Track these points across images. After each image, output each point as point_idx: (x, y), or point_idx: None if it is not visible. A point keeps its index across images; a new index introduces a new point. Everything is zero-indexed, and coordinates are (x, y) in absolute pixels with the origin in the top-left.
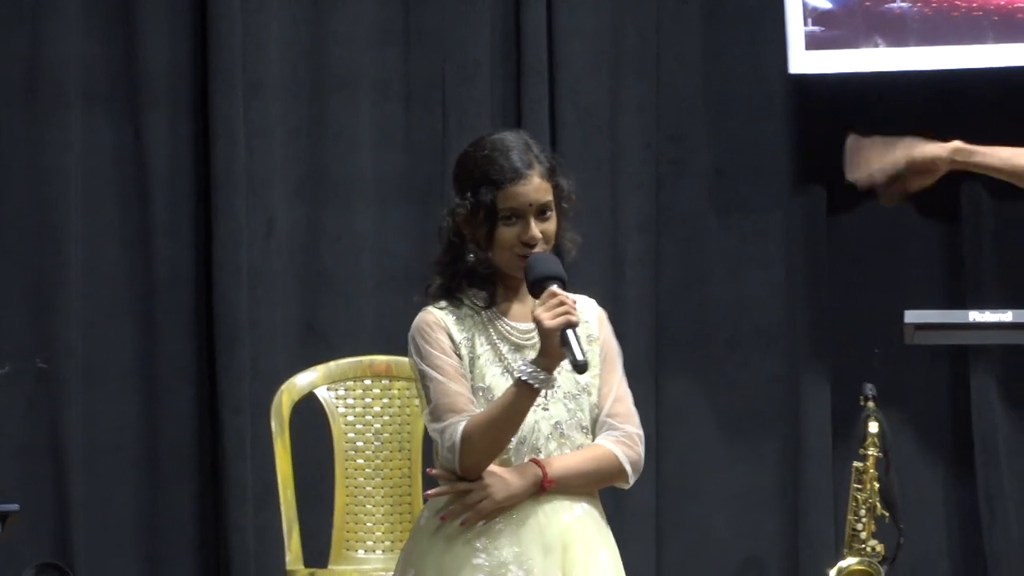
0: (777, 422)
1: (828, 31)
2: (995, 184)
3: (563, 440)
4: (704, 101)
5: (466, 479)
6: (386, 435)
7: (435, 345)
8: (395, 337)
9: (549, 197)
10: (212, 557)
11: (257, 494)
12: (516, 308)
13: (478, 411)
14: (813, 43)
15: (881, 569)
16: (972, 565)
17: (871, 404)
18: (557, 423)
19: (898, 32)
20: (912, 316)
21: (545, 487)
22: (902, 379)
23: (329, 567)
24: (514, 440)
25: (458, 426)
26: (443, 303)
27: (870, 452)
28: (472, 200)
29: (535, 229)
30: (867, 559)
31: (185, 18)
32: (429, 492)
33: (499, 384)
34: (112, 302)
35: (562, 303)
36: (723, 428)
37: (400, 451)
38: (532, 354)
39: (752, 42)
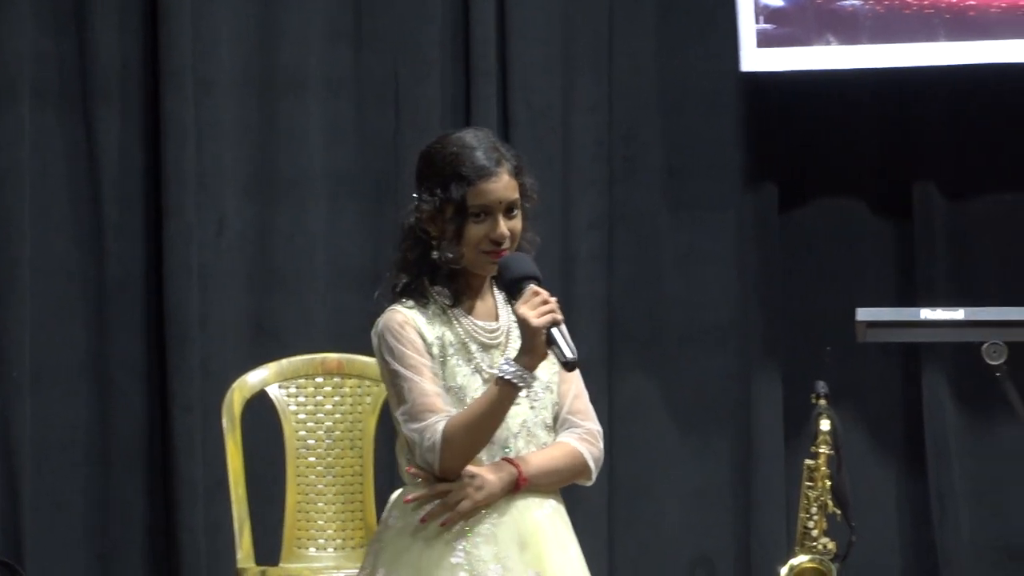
0: (729, 419)
1: (780, 29)
2: (947, 182)
3: (530, 438)
4: (656, 99)
5: (445, 479)
6: (338, 433)
7: (408, 344)
8: (347, 335)
9: (517, 195)
10: (163, 555)
11: (208, 492)
12: (479, 306)
13: (454, 411)
14: (765, 41)
15: (833, 567)
16: (924, 562)
17: (823, 402)
18: (524, 421)
19: (850, 30)
20: (864, 314)
21: (520, 485)
22: (854, 377)
23: (280, 565)
24: (495, 438)
25: (438, 426)
26: (410, 302)
27: (822, 450)
28: (441, 196)
29: (503, 227)
30: (819, 557)
31: (136, 16)
32: (408, 497)
33: (470, 384)
34: (62, 301)
35: (546, 301)
36: (676, 425)
37: (352, 449)
38: (498, 353)
39: (704, 40)
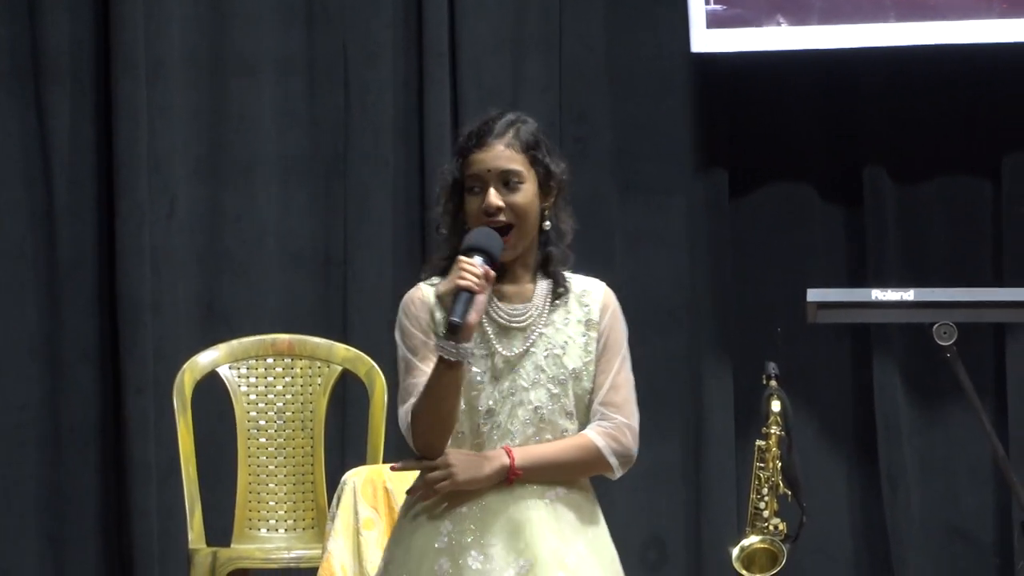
0: (679, 401)
1: (730, 10)
2: (897, 166)
3: (543, 426)
4: (607, 80)
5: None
6: (288, 414)
7: (414, 323)
8: (298, 317)
9: (514, 166)
10: (115, 537)
11: (161, 475)
12: (510, 288)
13: None
14: (715, 22)
15: (783, 547)
16: (874, 543)
17: (773, 383)
18: (537, 408)
19: (800, 11)
20: (815, 295)
21: (511, 478)
22: (805, 358)
23: (232, 546)
24: (488, 425)
25: (410, 408)
26: (437, 279)
27: (772, 431)
28: (447, 172)
29: (493, 197)
30: (769, 537)
31: None
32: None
33: (480, 365)
34: (14, 282)
35: (465, 269)
36: None
37: (303, 430)
38: (520, 337)
39: (654, 21)
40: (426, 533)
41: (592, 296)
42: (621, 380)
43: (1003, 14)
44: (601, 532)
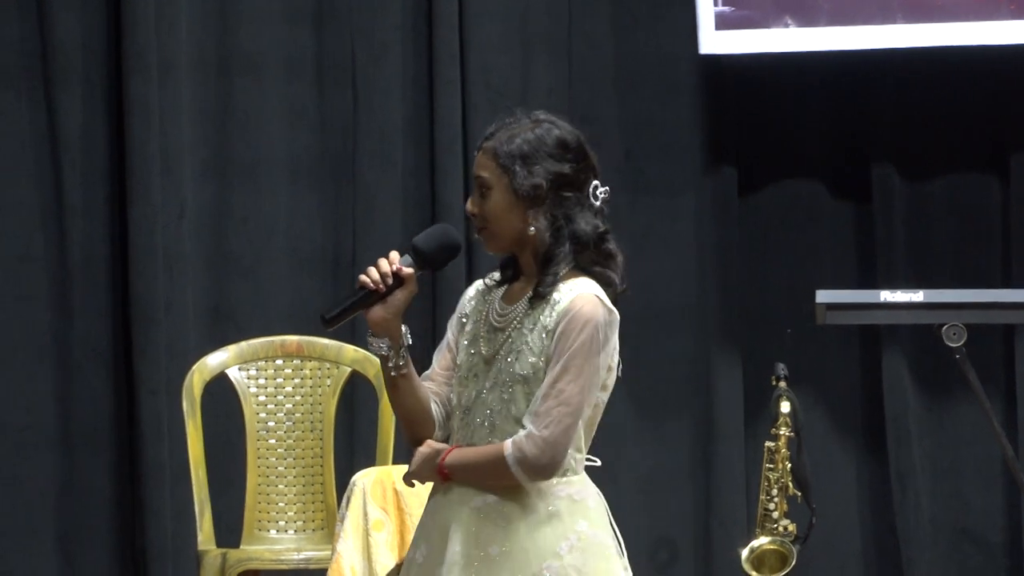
0: (689, 402)
1: (738, 11)
2: (906, 165)
3: (493, 430)
4: (615, 81)
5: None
6: (298, 415)
7: (453, 315)
8: (307, 317)
9: (484, 173)
10: (128, 538)
11: (174, 475)
12: (516, 288)
13: (432, 384)
14: (723, 23)
15: (793, 548)
16: (884, 543)
17: (783, 384)
18: (490, 411)
19: (808, 12)
20: (824, 296)
21: (442, 475)
22: (814, 359)
23: (241, 547)
24: (466, 423)
25: None
26: (495, 275)
27: (782, 432)
28: None
29: (469, 203)
30: (779, 538)
31: None
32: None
33: (465, 361)
34: (25, 283)
35: (376, 266)
36: (635, 408)
37: (312, 431)
38: (503, 337)
39: (663, 22)
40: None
41: (561, 303)
42: (555, 391)
43: (1011, 15)
44: (525, 548)
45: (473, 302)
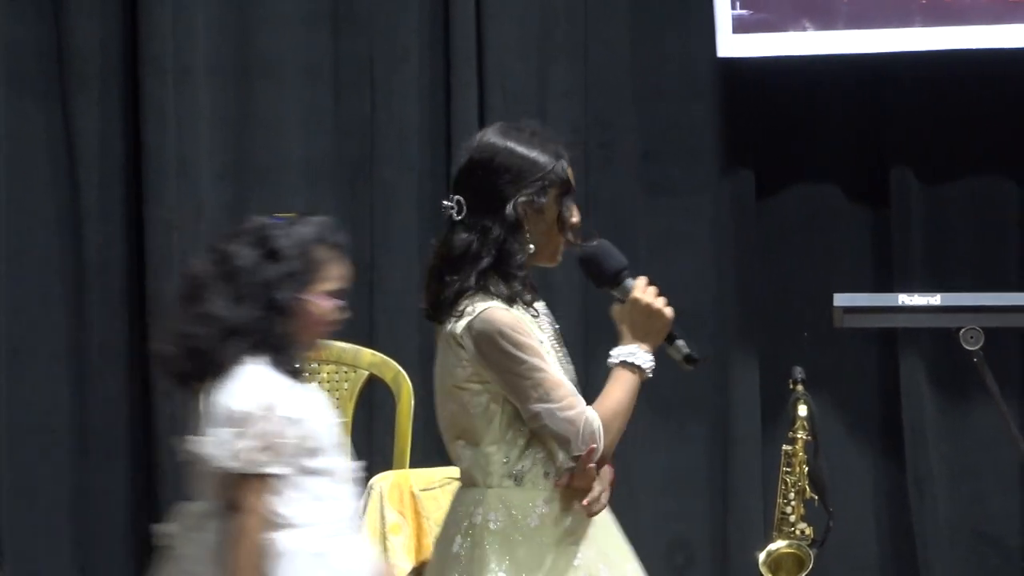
0: (706, 405)
1: (756, 14)
2: (924, 168)
3: None
4: (632, 85)
5: (583, 469)
6: None
7: (526, 335)
8: None
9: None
10: (144, 542)
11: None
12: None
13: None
14: (741, 26)
15: (810, 552)
16: (901, 547)
17: (800, 387)
18: None
19: (826, 15)
20: (841, 299)
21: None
22: (831, 362)
23: None
24: None
25: (590, 412)
26: (524, 296)
27: (799, 435)
28: None
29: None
30: (796, 542)
31: (114, 1)
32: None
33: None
34: (41, 286)
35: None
36: (652, 411)
37: None
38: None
39: (680, 25)
40: (561, 553)
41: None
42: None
43: None
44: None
45: (533, 324)
